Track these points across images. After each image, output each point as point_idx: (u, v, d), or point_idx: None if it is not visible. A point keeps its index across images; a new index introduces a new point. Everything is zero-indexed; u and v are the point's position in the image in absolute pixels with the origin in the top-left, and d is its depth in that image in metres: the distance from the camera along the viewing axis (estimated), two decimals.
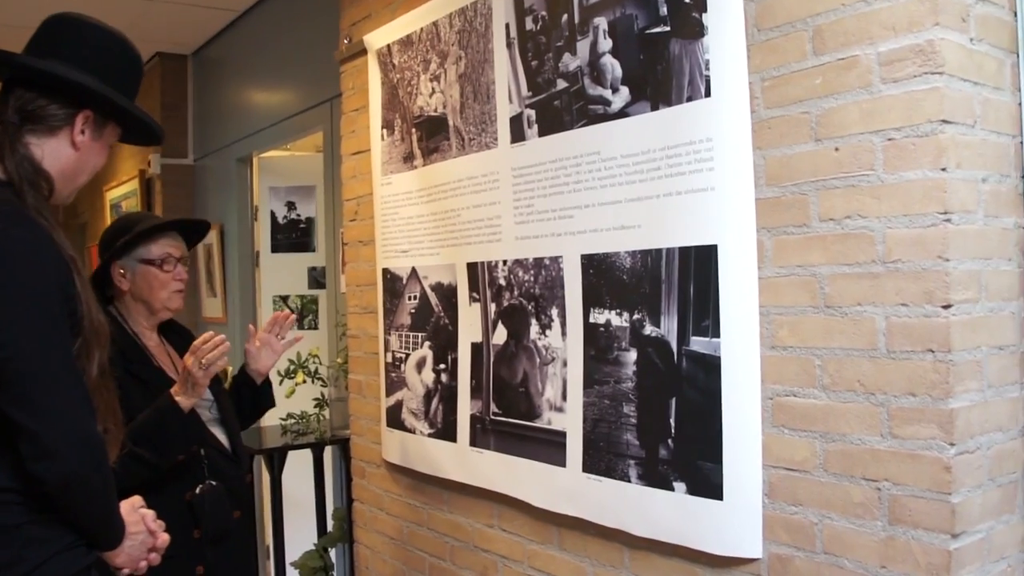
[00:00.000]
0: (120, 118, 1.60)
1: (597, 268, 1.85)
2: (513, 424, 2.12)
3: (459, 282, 2.31)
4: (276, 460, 3.10)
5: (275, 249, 4.68)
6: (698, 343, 1.62)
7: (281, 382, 3.20)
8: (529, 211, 2.04)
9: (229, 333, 4.75)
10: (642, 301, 1.74)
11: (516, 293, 2.10)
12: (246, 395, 2.40)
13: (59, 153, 1.51)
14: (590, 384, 1.87)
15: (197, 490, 2.13)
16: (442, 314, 2.39)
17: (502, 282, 2.14)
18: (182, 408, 2.02)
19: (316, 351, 3.22)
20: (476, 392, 2.25)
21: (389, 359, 2.66)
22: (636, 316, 1.75)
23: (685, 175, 1.63)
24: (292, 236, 4.67)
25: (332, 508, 3.33)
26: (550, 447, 1.99)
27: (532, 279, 2.04)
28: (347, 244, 2.95)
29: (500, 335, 2.16)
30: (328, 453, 3.38)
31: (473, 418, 2.26)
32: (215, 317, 4.90)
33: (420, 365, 2.50)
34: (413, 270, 2.52)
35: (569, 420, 1.94)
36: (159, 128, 1.67)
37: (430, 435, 2.45)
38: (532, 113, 2.01)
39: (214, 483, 2.17)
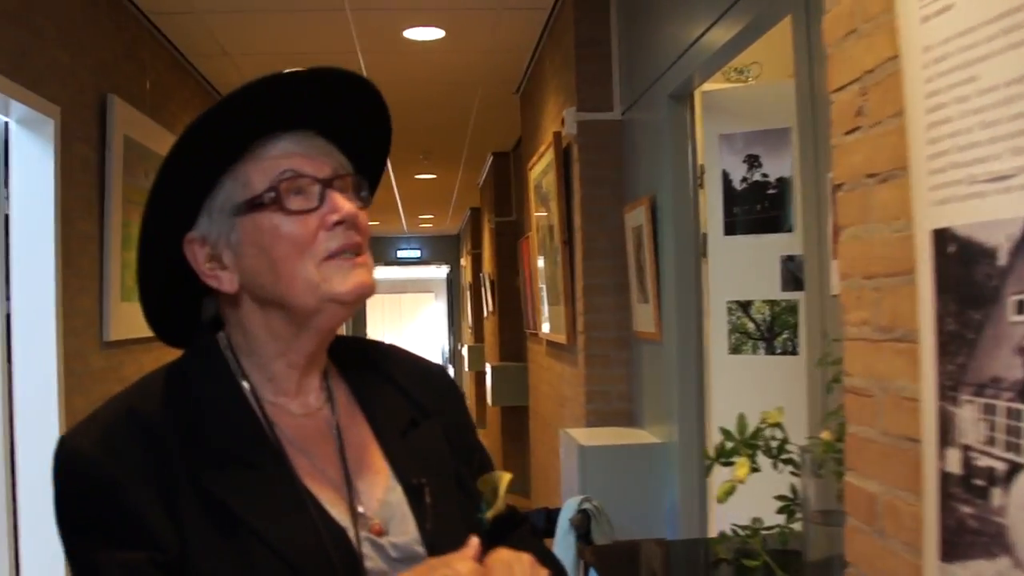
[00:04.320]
0: None
1: None
2: None
3: None
4: None
5: (730, 230, 3.28)
6: None
7: (709, 468, 1.79)
8: None
9: (664, 355, 3.45)
10: None
11: None
12: None
13: None
14: None
15: None
16: None
17: None
18: None
19: (776, 416, 1.73)
20: None
21: (955, 464, 1.10)
22: None
23: None
24: (756, 208, 3.22)
25: None
26: None
27: None
28: (840, 187, 1.44)
29: None
30: None
31: None
32: (647, 332, 3.63)
33: None
34: None
35: None
36: None
37: None
38: None
39: None
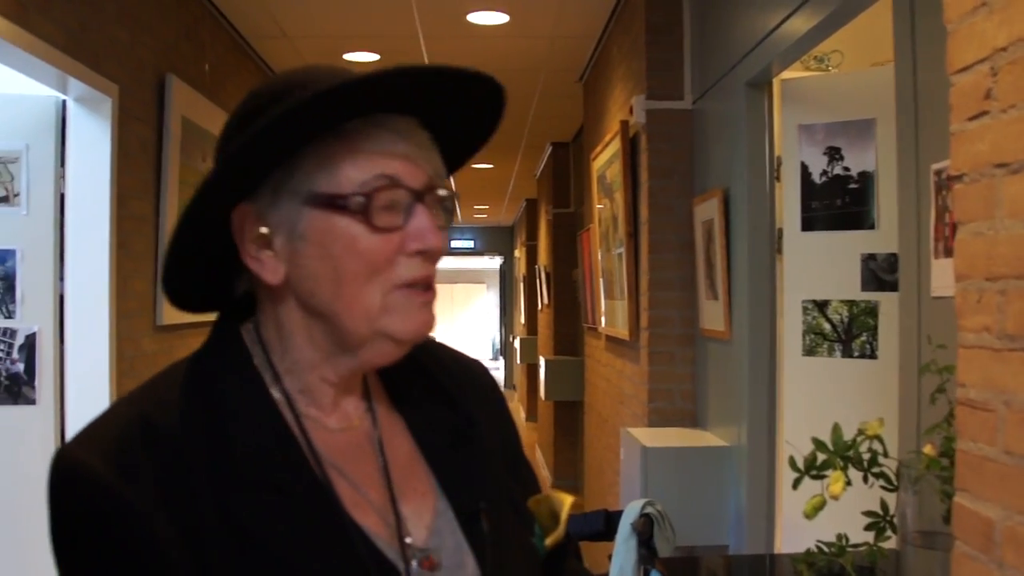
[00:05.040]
0: None
1: None
2: None
3: None
4: None
5: (808, 225, 3.14)
6: None
7: (798, 481, 1.67)
8: None
9: (733, 355, 3.33)
10: None
11: None
12: None
13: None
14: None
15: None
16: None
17: None
18: None
19: (876, 427, 1.60)
20: None
21: None
22: None
23: None
24: (836, 204, 3.08)
25: None
26: None
27: None
28: (959, 179, 1.31)
29: None
30: None
31: None
32: (715, 331, 3.51)
33: None
34: None
35: None
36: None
37: None
38: None
39: None
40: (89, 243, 3.20)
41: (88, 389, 3.19)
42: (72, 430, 3.19)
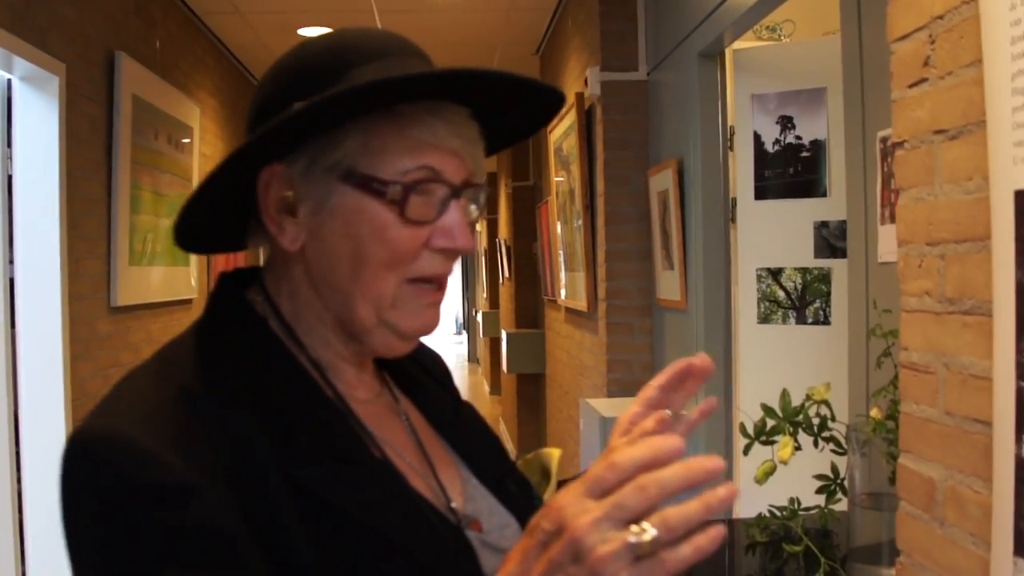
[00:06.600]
0: None
1: None
2: None
3: None
4: None
5: (761, 194, 3.16)
6: None
7: (748, 447, 1.69)
8: None
9: (689, 324, 3.35)
10: None
11: None
12: None
13: None
14: None
15: None
16: None
17: None
18: None
19: (823, 392, 1.63)
20: None
21: None
22: None
23: None
24: (788, 172, 3.10)
25: None
26: None
27: None
28: (900, 145, 1.33)
29: None
30: None
31: None
32: (672, 300, 3.53)
33: None
34: None
35: None
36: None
37: None
38: None
39: None
40: (39, 225, 3.15)
41: (41, 373, 3.15)
42: (26, 415, 3.15)
